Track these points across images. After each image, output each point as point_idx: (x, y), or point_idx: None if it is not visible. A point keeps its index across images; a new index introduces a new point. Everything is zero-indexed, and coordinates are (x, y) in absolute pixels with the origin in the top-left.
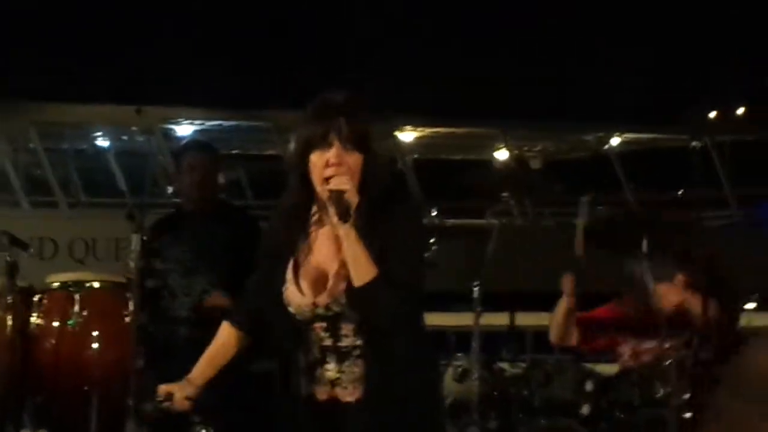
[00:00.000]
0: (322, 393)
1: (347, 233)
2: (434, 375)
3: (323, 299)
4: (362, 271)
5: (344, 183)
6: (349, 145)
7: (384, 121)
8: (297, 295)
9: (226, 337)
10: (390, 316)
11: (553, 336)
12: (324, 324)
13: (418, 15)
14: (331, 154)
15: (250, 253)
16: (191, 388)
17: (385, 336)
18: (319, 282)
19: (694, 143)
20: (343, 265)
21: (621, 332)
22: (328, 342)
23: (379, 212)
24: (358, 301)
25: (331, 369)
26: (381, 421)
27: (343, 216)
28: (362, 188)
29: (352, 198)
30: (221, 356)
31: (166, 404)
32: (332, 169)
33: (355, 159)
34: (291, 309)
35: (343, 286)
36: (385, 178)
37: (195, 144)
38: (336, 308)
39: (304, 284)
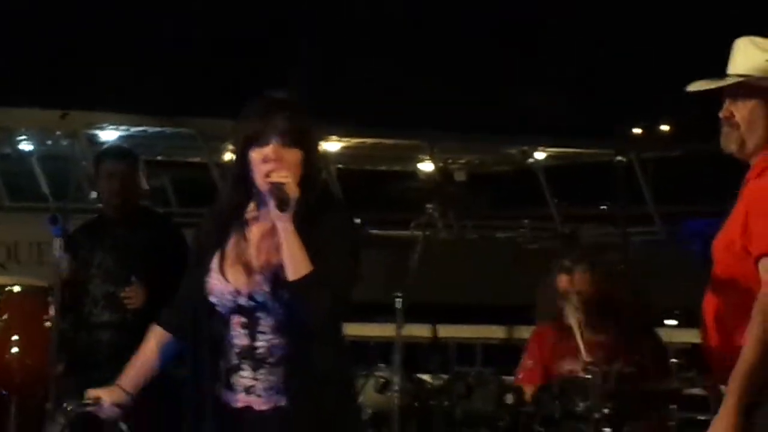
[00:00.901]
0: (237, 401)
1: (285, 226)
2: (353, 388)
3: (246, 287)
4: (298, 265)
5: (284, 176)
6: (288, 141)
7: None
8: (220, 282)
9: (155, 341)
10: (322, 315)
11: None
12: (244, 319)
13: (348, 28)
14: (269, 149)
15: (172, 259)
16: (121, 394)
17: (306, 341)
18: (245, 271)
19: (618, 158)
20: (272, 257)
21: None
22: (245, 341)
23: (313, 216)
24: (290, 295)
25: (246, 376)
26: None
27: (282, 205)
28: (302, 185)
29: (292, 191)
30: (151, 361)
31: (92, 408)
32: (270, 164)
33: (293, 155)
34: (212, 299)
35: (268, 275)
36: (320, 179)
37: (113, 151)
38: (259, 298)
39: (230, 272)
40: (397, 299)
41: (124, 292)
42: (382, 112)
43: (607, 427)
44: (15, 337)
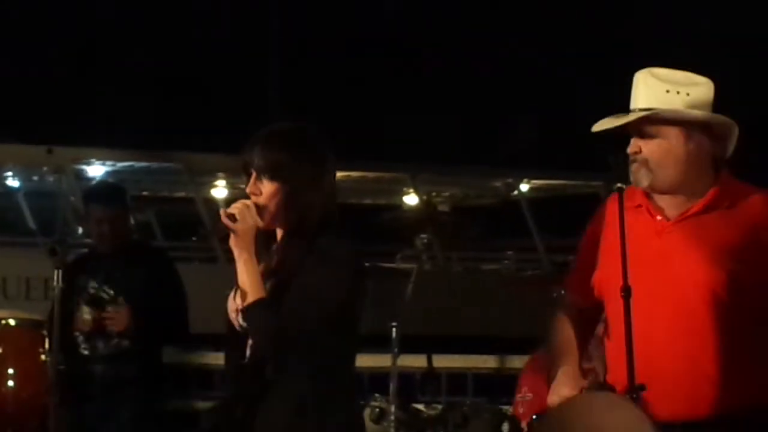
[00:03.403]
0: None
1: (238, 254)
2: (333, 413)
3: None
4: (246, 292)
5: (235, 208)
6: (265, 174)
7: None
8: (232, 302)
9: None
10: (270, 343)
11: None
12: (251, 340)
13: (329, 59)
14: (249, 184)
15: (166, 292)
16: None
17: (280, 363)
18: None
19: (618, 185)
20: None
21: None
22: (244, 361)
23: (309, 244)
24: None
25: (240, 395)
26: None
27: (222, 240)
28: (284, 218)
29: (243, 223)
30: None
31: None
32: (252, 197)
33: (270, 189)
34: (231, 315)
35: None
36: (315, 210)
37: (101, 194)
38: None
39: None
40: (393, 329)
41: (107, 313)
42: (366, 146)
43: None
44: (10, 371)
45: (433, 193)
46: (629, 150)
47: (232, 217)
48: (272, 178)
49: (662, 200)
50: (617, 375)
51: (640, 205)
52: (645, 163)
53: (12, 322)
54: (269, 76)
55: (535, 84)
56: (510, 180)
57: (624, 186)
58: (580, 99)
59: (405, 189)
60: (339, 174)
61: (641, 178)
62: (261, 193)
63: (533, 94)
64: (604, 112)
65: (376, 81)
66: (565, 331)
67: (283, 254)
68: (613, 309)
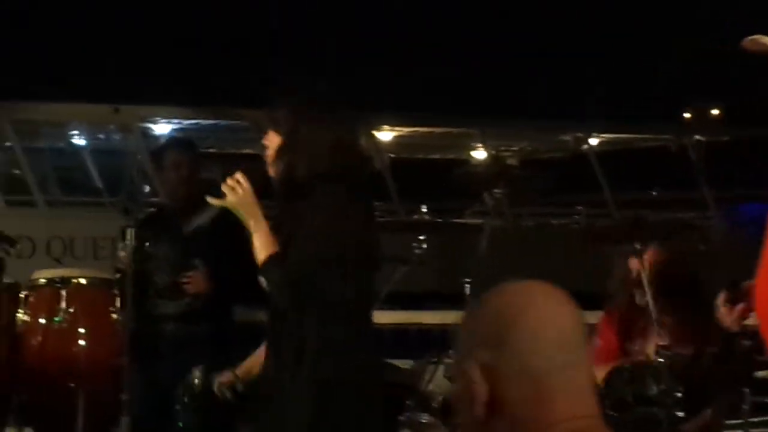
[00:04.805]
0: None
1: (246, 222)
2: (339, 367)
3: None
4: (257, 251)
5: (224, 186)
6: (273, 128)
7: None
8: None
9: None
10: (282, 297)
11: None
12: None
13: (398, 18)
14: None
15: (235, 249)
16: None
17: (279, 318)
18: None
19: (697, 137)
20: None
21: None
22: None
23: (302, 198)
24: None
25: None
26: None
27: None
28: (281, 169)
29: (233, 196)
30: None
31: None
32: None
33: (274, 139)
34: None
35: None
36: (308, 163)
37: (178, 141)
38: None
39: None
40: (466, 285)
41: (186, 278)
42: (434, 101)
43: (680, 411)
44: (82, 330)
45: (502, 148)
46: None
47: (224, 196)
48: (276, 131)
49: None
50: None
51: None
52: None
53: (83, 281)
54: (332, 30)
55: (605, 36)
56: (579, 134)
57: (702, 139)
58: (651, 50)
59: (473, 144)
60: (407, 129)
61: None
62: (269, 145)
63: (604, 47)
64: (673, 63)
65: (446, 35)
66: None
67: (283, 207)
68: None
